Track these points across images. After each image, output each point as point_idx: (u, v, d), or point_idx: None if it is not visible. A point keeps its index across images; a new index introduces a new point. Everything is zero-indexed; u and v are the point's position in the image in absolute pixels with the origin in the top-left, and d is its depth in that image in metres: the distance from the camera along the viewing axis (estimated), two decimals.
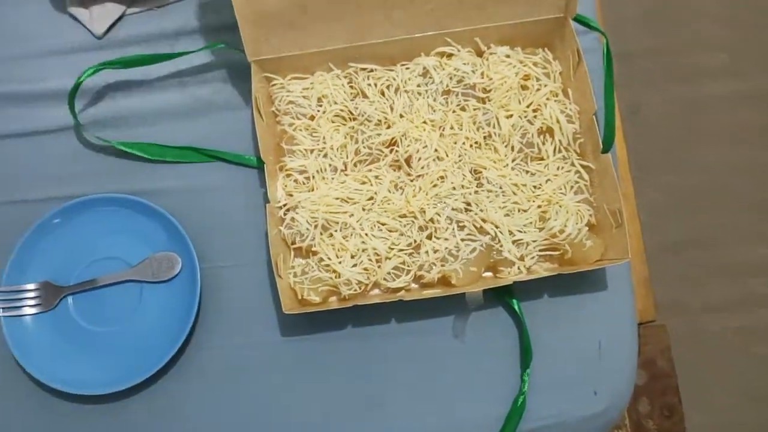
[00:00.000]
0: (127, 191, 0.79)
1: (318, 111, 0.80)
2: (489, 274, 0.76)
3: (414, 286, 0.76)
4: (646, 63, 1.60)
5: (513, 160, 0.77)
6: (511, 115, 0.78)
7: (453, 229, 0.74)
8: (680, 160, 1.56)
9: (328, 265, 0.74)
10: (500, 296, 0.76)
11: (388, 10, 0.76)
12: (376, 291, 0.76)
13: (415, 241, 0.75)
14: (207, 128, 0.83)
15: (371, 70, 0.81)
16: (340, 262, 0.73)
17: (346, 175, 0.78)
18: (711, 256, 1.51)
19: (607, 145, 0.75)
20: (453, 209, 0.75)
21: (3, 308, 0.75)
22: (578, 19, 0.79)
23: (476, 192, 0.76)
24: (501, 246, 0.74)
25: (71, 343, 0.76)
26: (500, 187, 0.76)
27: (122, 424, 0.75)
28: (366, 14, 0.77)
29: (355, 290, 0.73)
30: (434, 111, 0.79)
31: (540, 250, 0.75)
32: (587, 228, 0.75)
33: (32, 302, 0.76)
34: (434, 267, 0.74)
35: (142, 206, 0.77)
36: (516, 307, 0.75)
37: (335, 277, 0.73)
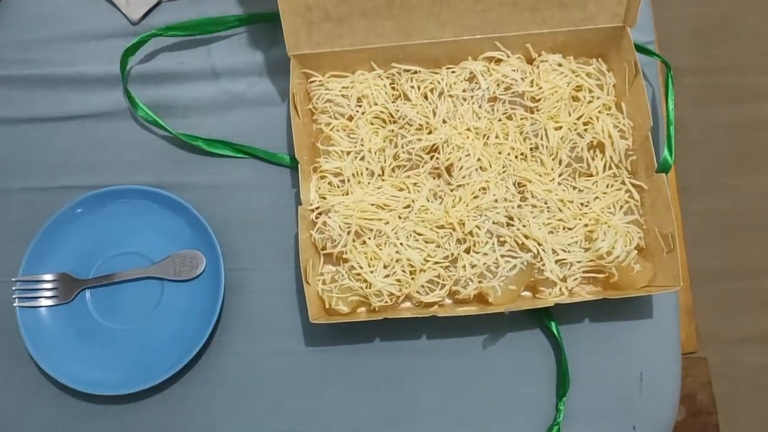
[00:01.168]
0: (154, 184, 0.76)
1: (357, 111, 0.76)
2: (528, 293, 0.72)
3: (448, 301, 0.72)
4: (693, 81, 1.55)
5: (560, 175, 0.73)
6: (560, 127, 0.74)
7: (493, 244, 0.70)
8: (723, 184, 1.51)
9: (359, 274, 0.70)
10: (539, 318, 0.72)
11: (437, 8, 0.73)
12: (408, 304, 0.72)
13: (452, 254, 0.71)
14: (239, 123, 0.80)
15: (415, 72, 0.77)
16: (372, 272, 0.70)
17: (382, 180, 0.74)
18: (750, 287, 1.45)
19: (665, 166, 0.71)
20: (494, 223, 0.71)
21: (19, 298, 0.72)
22: (638, 48, 0.74)
23: (519, 206, 0.72)
24: (543, 265, 0.70)
25: (86, 339, 0.73)
26: (545, 203, 0.72)
27: (134, 427, 0.71)
28: (413, 12, 0.73)
29: (386, 302, 0.69)
30: (479, 118, 0.75)
31: (584, 272, 0.70)
32: (636, 251, 0.70)
33: (49, 294, 0.73)
34: (471, 283, 0.69)
35: (168, 200, 0.74)
36: (555, 331, 0.71)
37: (366, 287, 0.69)
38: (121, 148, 0.80)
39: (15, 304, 0.72)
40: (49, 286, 0.73)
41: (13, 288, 0.73)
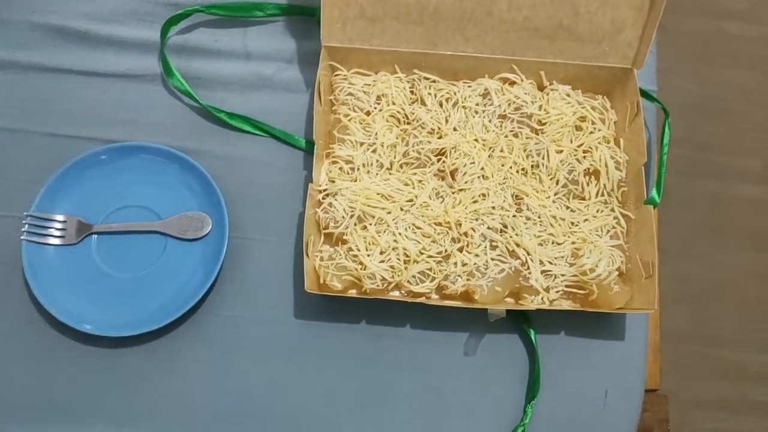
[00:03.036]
0: (175, 146, 0.80)
1: (375, 108, 0.81)
2: (511, 300, 0.76)
3: (435, 296, 0.75)
4: (679, 152, 1.62)
5: (555, 194, 0.78)
6: (562, 151, 0.79)
7: (485, 247, 0.74)
8: (697, 253, 1.57)
9: (356, 256, 0.73)
10: (518, 323, 0.76)
11: (464, 23, 0.78)
12: (397, 293, 0.76)
13: (445, 251, 0.75)
14: (262, 104, 0.84)
15: (434, 81, 0.83)
16: (368, 255, 0.73)
17: (390, 173, 0.78)
18: (712, 354, 1.50)
19: (652, 202, 0.76)
20: (489, 228, 0.75)
21: (27, 232, 0.75)
22: (641, 92, 0.80)
23: (514, 216, 0.76)
24: (529, 273, 0.74)
25: (86, 281, 0.75)
26: (539, 217, 0.76)
27: (117, 371, 0.73)
28: (442, 22, 0.79)
29: (378, 286, 0.73)
30: (488, 131, 0.80)
31: (566, 286, 0.75)
32: (617, 274, 0.75)
33: (57, 233, 0.76)
34: (459, 279, 0.73)
35: (186, 163, 0.78)
36: (532, 338, 0.75)
37: (361, 268, 0.73)
38: (147, 110, 0.84)
39: (22, 238, 0.74)
40: (58, 225, 0.76)
41: (24, 222, 0.75)
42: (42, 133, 0.82)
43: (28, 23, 0.85)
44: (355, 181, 0.77)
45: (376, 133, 0.79)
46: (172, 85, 0.84)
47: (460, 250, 0.75)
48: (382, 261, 0.73)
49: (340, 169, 0.78)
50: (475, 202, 0.77)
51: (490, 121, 0.81)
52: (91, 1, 0.87)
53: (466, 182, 0.77)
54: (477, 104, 0.81)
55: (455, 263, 0.74)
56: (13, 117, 0.82)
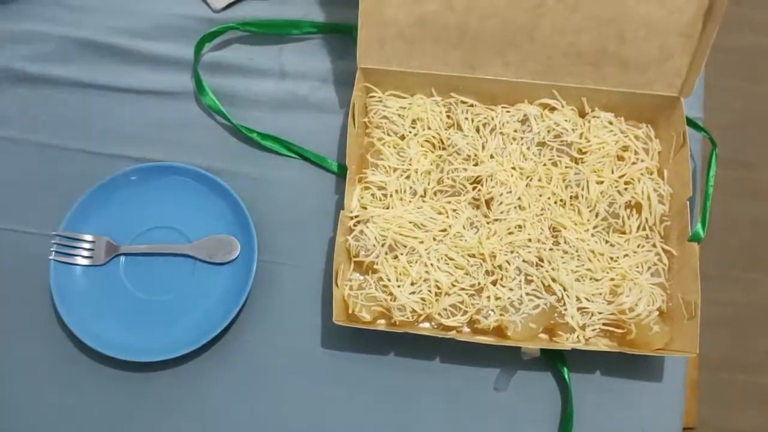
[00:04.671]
0: (205, 165, 0.79)
1: (410, 132, 0.79)
2: (544, 336, 0.73)
3: (466, 329, 0.73)
4: (722, 171, 1.57)
5: (594, 227, 0.75)
6: (602, 182, 0.76)
7: (520, 281, 0.72)
8: (738, 277, 1.52)
9: (386, 286, 0.72)
10: (552, 360, 0.73)
11: (505, 47, 0.76)
12: (427, 325, 0.73)
13: (478, 284, 0.72)
14: (294, 124, 0.83)
15: (471, 105, 0.80)
16: (398, 286, 0.71)
17: (423, 201, 0.76)
18: (751, 381, 1.46)
19: (696, 237, 0.73)
20: (524, 261, 0.72)
21: (56, 252, 0.74)
22: (688, 122, 0.77)
23: (551, 249, 0.74)
24: (565, 310, 0.71)
25: (113, 303, 0.75)
26: (576, 251, 0.73)
27: (142, 395, 0.73)
28: (481, 46, 0.76)
29: (407, 318, 0.71)
30: (526, 159, 0.78)
31: (603, 324, 0.72)
32: (657, 313, 0.72)
33: (86, 253, 0.75)
34: (492, 314, 0.71)
35: (216, 185, 0.77)
36: (566, 376, 0.72)
37: (391, 299, 0.71)
38: (178, 128, 0.83)
39: (51, 257, 0.74)
40: (87, 246, 0.75)
41: (52, 242, 0.75)
42: (74, 149, 0.81)
43: (63, 38, 0.85)
44: (388, 208, 0.75)
45: (411, 159, 0.77)
46: (204, 103, 0.83)
47: (494, 283, 0.73)
48: (413, 292, 0.71)
49: (373, 195, 0.76)
50: (510, 233, 0.74)
51: (528, 148, 0.78)
52: (126, 17, 0.86)
53: (501, 212, 0.75)
54: (515, 131, 0.79)
55: (488, 297, 0.72)
56: (46, 132, 0.82)
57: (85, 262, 0.75)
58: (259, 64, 0.85)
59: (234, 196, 0.76)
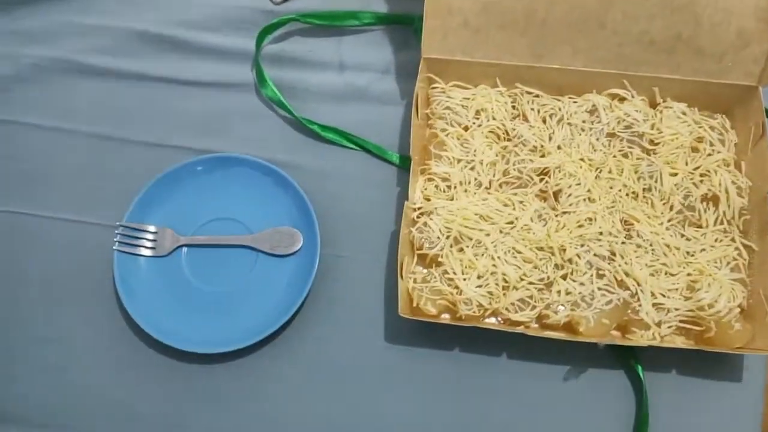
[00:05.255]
0: (266, 158, 0.78)
1: (474, 123, 0.77)
2: (617, 333, 0.70)
3: (534, 325, 0.71)
4: None
5: (669, 220, 0.72)
6: (676, 174, 0.73)
7: (592, 275, 0.69)
8: None
9: (451, 280, 0.70)
10: (625, 358, 0.70)
11: (574, 34, 0.74)
12: (493, 320, 0.71)
13: (548, 278, 0.70)
14: (355, 116, 0.82)
15: (537, 95, 0.78)
16: (464, 279, 0.69)
17: (489, 193, 0.74)
18: None
19: None
20: (595, 255, 0.70)
21: (119, 242, 0.74)
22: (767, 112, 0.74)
23: (623, 243, 0.71)
24: (639, 306, 0.68)
25: (174, 294, 0.74)
26: (650, 245, 0.70)
27: (202, 387, 0.72)
28: (549, 34, 0.74)
29: (474, 312, 0.69)
30: (595, 150, 0.75)
31: (680, 321, 0.69)
32: (738, 310, 0.68)
33: (149, 244, 0.75)
34: (562, 309, 0.69)
35: (279, 177, 0.76)
36: (640, 374, 0.69)
37: (456, 293, 0.69)
38: (239, 120, 0.82)
39: (115, 248, 0.74)
40: (150, 237, 0.75)
41: (116, 232, 0.75)
42: (136, 141, 0.82)
43: (126, 31, 0.86)
44: (452, 199, 0.73)
45: (475, 150, 0.75)
46: (265, 95, 0.82)
47: (564, 277, 0.70)
48: (479, 286, 0.69)
49: (436, 186, 0.74)
50: (580, 226, 0.71)
51: (597, 139, 0.75)
52: (187, 9, 0.86)
53: (570, 205, 0.72)
54: (583, 121, 0.76)
55: (558, 291, 0.69)
56: (109, 125, 0.82)
57: (149, 252, 0.75)
58: (320, 55, 0.84)
59: (296, 188, 0.75)
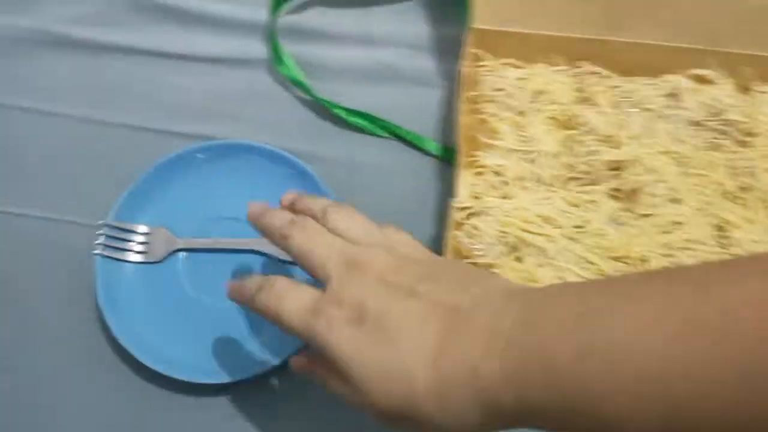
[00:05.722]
0: (280, 145, 0.65)
1: (531, 107, 0.64)
2: None
3: None
4: None
5: None
6: None
7: None
8: None
9: None
10: None
11: (656, 3, 0.61)
12: None
13: None
14: (386, 99, 0.69)
15: (606, 76, 0.66)
16: None
17: (551, 190, 0.61)
18: None
19: None
20: None
21: (103, 245, 0.61)
22: None
23: (718, 253, 0.58)
24: None
25: (169, 308, 0.61)
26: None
27: (194, 424, 0.58)
28: (626, 1, 0.61)
29: None
30: (679, 142, 0.62)
31: None
32: None
33: (139, 248, 0.62)
34: None
35: (298, 169, 0.63)
36: None
37: None
38: (248, 101, 0.70)
39: (96, 252, 0.61)
40: (141, 239, 0.62)
41: (98, 233, 0.62)
42: (123, 125, 0.69)
43: None
44: (506, 197, 0.61)
45: (534, 139, 0.62)
46: (280, 73, 0.69)
47: None
48: None
49: (487, 182, 0.61)
50: (665, 232, 0.59)
51: (680, 128, 0.63)
52: None
53: (652, 206, 0.60)
54: (663, 107, 0.63)
55: None
56: (89, 105, 0.69)
57: (138, 258, 0.62)
58: (345, 28, 0.72)
59: (317, 181, 0.62)
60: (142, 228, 0.63)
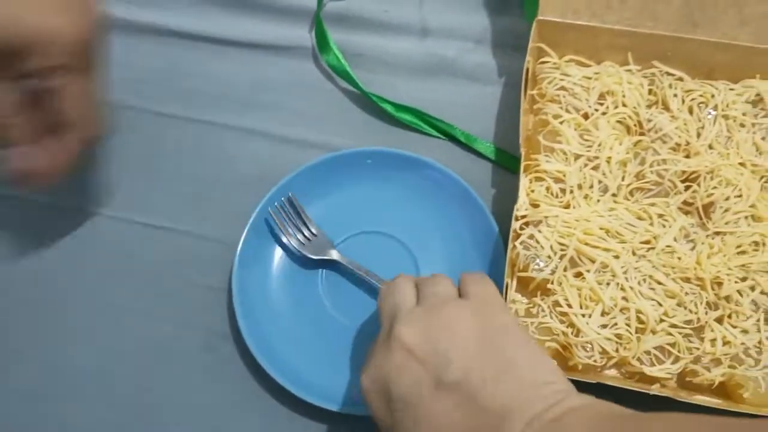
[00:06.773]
0: (320, 142, 0.62)
1: (596, 110, 0.59)
2: None
3: (674, 384, 0.52)
4: None
5: None
6: None
7: (759, 321, 0.51)
8: None
9: (565, 315, 0.52)
10: None
11: None
12: (614, 371, 0.53)
13: (697, 320, 0.52)
14: (438, 95, 0.65)
15: (680, 78, 0.60)
16: (584, 316, 0.51)
17: (617, 201, 0.56)
18: None
19: None
20: (763, 293, 0.51)
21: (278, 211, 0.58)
22: None
23: None
24: None
25: (306, 320, 0.57)
26: None
27: None
28: None
29: (595, 360, 0.51)
30: (760, 153, 0.57)
31: None
32: None
33: (302, 238, 0.58)
34: (718, 366, 0.50)
35: (466, 195, 0.59)
36: None
37: (572, 333, 0.51)
38: (291, 92, 0.66)
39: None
40: (307, 233, 0.58)
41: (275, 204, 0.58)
42: (156, 112, 0.65)
43: None
44: (568, 207, 0.56)
45: (600, 144, 0.57)
46: (325, 62, 0.65)
47: (720, 320, 0.52)
48: (604, 326, 0.51)
49: (547, 189, 0.56)
50: (742, 252, 0.53)
51: (763, 138, 0.57)
52: None
53: (727, 223, 0.54)
54: (744, 114, 0.58)
55: (712, 341, 0.51)
56: (124, 92, 0.65)
57: (296, 244, 0.58)
58: (397, 16, 0.68)
59: (486, 214, 0.58)
60: (314, 227, 0.58)
